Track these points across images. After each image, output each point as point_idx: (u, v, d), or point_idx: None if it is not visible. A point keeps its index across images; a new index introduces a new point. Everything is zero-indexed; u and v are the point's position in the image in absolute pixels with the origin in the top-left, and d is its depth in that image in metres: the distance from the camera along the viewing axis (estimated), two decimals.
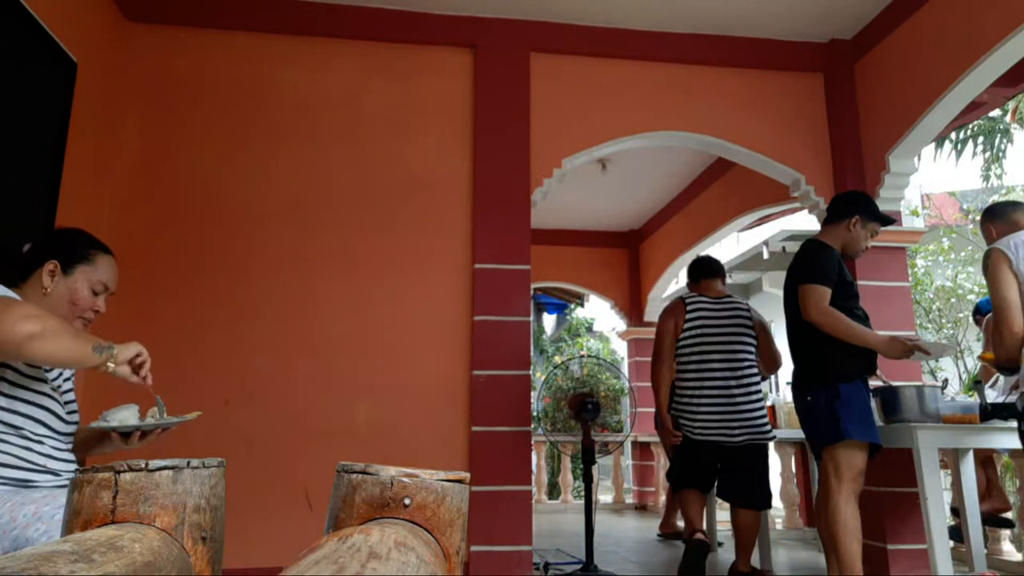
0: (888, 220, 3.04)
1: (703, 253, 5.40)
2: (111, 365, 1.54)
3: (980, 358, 3.37)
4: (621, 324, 7.78)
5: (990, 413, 3.02)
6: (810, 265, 2.87)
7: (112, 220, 3.43)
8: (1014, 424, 2.95)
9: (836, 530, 2.69)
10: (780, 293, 3.15)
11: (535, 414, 4.06)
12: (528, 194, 3.74)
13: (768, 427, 3.39)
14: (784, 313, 3.07)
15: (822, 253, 2.89)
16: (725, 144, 4.01)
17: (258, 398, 3.37)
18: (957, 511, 3.77)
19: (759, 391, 3.40)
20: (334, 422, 3.39)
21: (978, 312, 4.50)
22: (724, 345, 3.41)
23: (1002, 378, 3.87)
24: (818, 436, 2.84)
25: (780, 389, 8.74)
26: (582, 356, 4.46)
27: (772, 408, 4.31)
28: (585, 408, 3.81)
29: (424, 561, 0.62)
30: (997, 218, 2.91)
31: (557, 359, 10.84)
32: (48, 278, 1.67)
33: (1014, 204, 2.96)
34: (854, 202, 3.02)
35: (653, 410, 4.00)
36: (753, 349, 3.47)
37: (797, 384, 2.97)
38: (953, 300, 7.66)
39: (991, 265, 2.61)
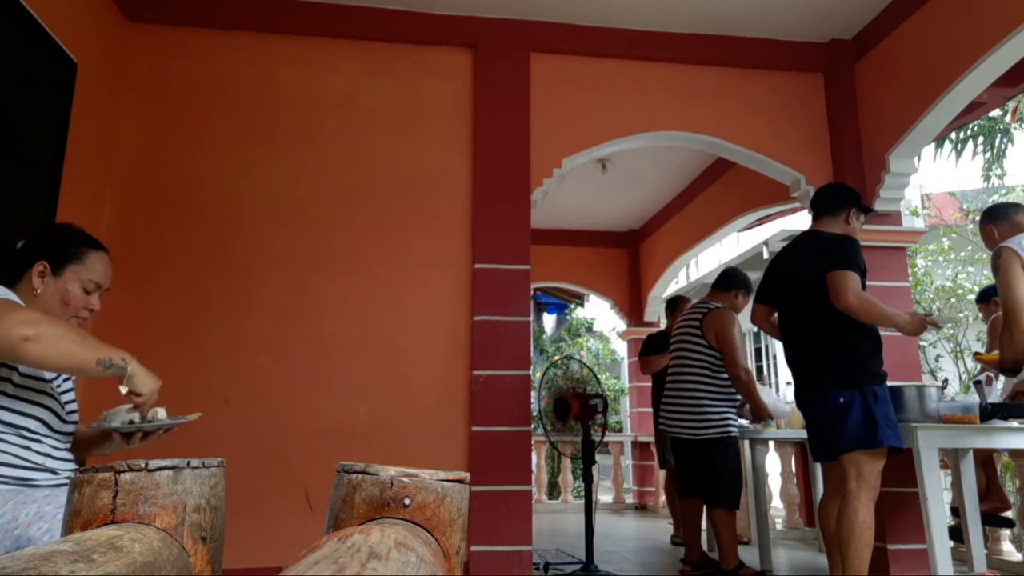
0: (869, 210, 3.07)
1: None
2: (124, 389, 1.52)
3: (977, 359, 3.29)
4: (621, 324, 7.78)
5: (990, 413, 3.01)
6: (841, 253, 2.74)
7: (112, 220, 3.43)
8: (1015, 424, 2.95)
9: (850, 534, 2.61)
10: None
11: (535, 414, 4.06)
12: (528, 194, 3.74)
13: (702, 424, 3.58)
14: (785, 309, 3.00)
15: (852, 243, 2.79)
16: (725, 144, 4.01)
17: (258, 398, 3.37)
18: (957, 511, 3.77)
19: (691, 390, 3.66)
20: (334, 422, 3.39)
21: (982, 299, 4.36)
22: (675, 350, 3.87)
23: (1001, 378, 3.86)
24: (846, 440, 2.65)
25: (780, 388, 8.73)
26: (567, 358, 4.47)
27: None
28: (563, 409, 3.85)
29: (424, 561, 0.62)
30: (999, 220, 2.90)
31: (556, 359, 10.82)
32: (38, 279, 1.64)
33: (1015, 206, 2.95)
34: (848, 195, 2.99)
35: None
36: (696, 351, 3.69)
37: (820, 383, 2.78)
38: (953, 300, 7.65)
39: (1003, 265, 2.57)
